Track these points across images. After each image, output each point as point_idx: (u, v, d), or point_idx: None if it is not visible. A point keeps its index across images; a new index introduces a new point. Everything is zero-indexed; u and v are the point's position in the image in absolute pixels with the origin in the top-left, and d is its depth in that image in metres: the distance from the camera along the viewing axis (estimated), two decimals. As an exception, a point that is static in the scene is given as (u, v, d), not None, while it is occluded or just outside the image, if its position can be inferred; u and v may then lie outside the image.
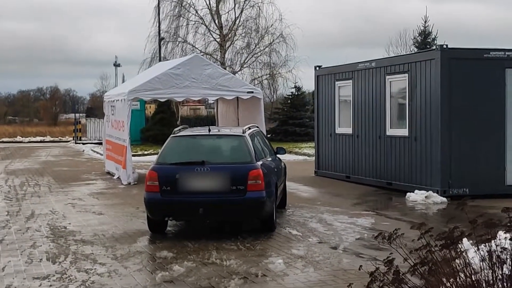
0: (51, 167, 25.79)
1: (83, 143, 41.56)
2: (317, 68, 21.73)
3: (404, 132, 17.02)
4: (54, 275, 8.95)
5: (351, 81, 19.57)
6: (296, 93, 40.96)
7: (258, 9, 41.46)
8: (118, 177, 20.73)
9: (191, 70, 19.80)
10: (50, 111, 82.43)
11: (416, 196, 15.60)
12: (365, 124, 18.82)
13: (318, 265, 9.29)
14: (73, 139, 44.69)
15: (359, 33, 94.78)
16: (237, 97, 20.76)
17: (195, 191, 11.01)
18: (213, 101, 25.68)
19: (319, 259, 9.62)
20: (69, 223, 13.05)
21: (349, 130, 19.66)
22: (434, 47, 16.51)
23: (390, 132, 17.69)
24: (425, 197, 15.40)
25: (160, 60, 44.66)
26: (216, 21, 41.70)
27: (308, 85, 46.54)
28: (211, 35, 41.88)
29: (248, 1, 41.63)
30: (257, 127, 13.58)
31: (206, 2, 41.84)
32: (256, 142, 12.19)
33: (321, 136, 21.35)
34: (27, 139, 48.69)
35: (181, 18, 41.97)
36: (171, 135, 11.96)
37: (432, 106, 15.91)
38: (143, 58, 45.21)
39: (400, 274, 5.16)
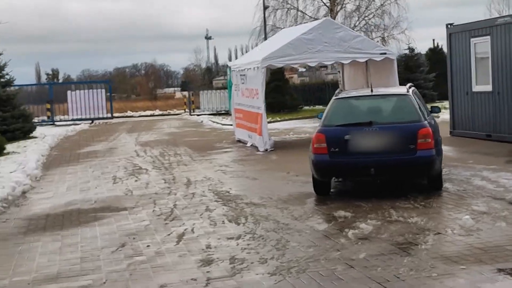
0: (180, 137, 26.30)
1: (198, 115, 42.20)
2: (449, 26, 21.19)
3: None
4: (246, 235, 9.15)
5: (489, 37, 19.00)
6: (410, 54, 40.20)
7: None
8: (251, 145, 20.95)
9: (323, 34, 19.72)
10: (146, 87, 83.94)
11: None
12: (508, 81, 18.27)
13: (508, 219, 9.12)
14: (186, 111, 45.41)
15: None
16: (367, 60, 20.55)
17: (365, 152, 10.99)
18: (332, 66, 25.40)
19: (505, 214, 9.45)
20: (230, 188, 13.28)
21: (488, 88, 19.13)
22: None
23: (535, 86, 17.12)
24: None
25: (265, 29, 44.83)
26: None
27: (422, 46, 45.56)
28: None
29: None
30: (414, 86, 13.38)
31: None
32: (418, 101, 12.03)
33: (456, 95, 20.87)
34: (137, 114, 49.74)
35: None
36: (334, 98, 11.94)
37: None
38: (253, 27, 45.16)
39: None
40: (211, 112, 42.51)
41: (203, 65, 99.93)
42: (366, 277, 6.96)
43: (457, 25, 20.99)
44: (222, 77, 73.22)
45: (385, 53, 20.16)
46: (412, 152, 10.85)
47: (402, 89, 12.19)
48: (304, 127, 28.22)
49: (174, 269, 7.74)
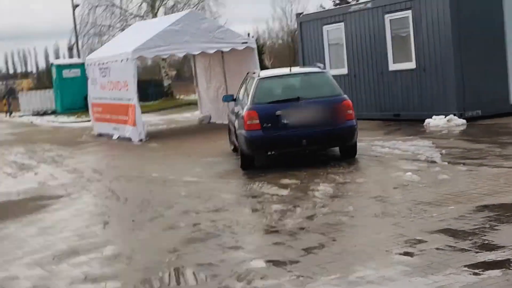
0: (29, 136, 25.62)
1: (20, 116, 40.81)
2: (300, 15, 22.68)
3: (410, 65, 18.31)
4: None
5: (342, 23, 20.65)
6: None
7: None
8: (119, 137, 21.10)
9: (189, 25, 20.36)
10: None
11: (436, 121, 16.96)
12: (363, 63, 20.00)
13: (444, 173, 10.41)
14: (6, 114, 43.72)
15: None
16: (221, 50, 21.40)
17: (296, 125, 11.92)
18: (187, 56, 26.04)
19: (437, 170, 10.73)
20: (154, 173, 13.52)
21: (344, 71, 20.79)
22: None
23: (393, 67, 18.95)
24: (447, 120, 16.80)
25: (75, 27, 44.29)
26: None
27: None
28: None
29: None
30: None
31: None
32: (331, 77, 13.14)
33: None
34: None
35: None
36: (258, 78, 12.66)
37: (441, 37, 17.25)
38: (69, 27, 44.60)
39: None
40: (34, 113, 41.19)
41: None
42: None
43: (308, 14, 22.56)
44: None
45: (246, 42, 21.17)
46: (338, 123, 11.96)
47: (316, 68, 13.24)
48: (155, 119, 28.57)
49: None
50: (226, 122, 22.76)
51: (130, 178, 13.29)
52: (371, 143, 14.65)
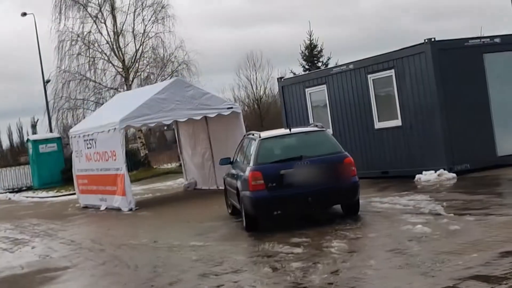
0: (10, 212, 25.31)
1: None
2: (281, 80, 23.07)
3: (396, 122, 18.65)
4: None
5: (325, 85, 21.03)
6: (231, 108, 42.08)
7: (159, 39, 42.19)
8: (106, 208, 20.99)
9: (175, 93, 20.56)
10: None
11: (427, 176, 17.20)
12: (347, 123, 20.31)
13: (454, 224, 10.56)
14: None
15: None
16: (205, 116, 21.60)
17: (301, 183, 12.02)
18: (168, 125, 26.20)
19: (445, 221, 10.88)
20: (156, 240, 13.47)
21: (329, 132, 21.00)
22: (422, 42, 18.09)
23: (379, 125, 19.27)
24: (438, 175, 17.05)
25: (47, 102, 44.20)
26: (118, 54, 42.03)
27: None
28: (115, 69, 42.14)
29: (147, 33, 42.25)
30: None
31: (105, 38, 42.06)
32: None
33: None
34: None
35: (81, 55, 41.90)
36: (259, 139, 12.78)
37: (427, 94, 17.65)
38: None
39: None
40: (9, 190, 40.65)
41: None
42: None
43: (288, 78, 23.00)
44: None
45: (231, 107, 21.40)
46: (342, 180, 12.11)
47: (315, 127, 13.45)
48: (137, 189, 28.40)
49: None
50: (212, 187, 23.04)
51: (133, 246, 13.19)
52: (368, 199, 14.78)
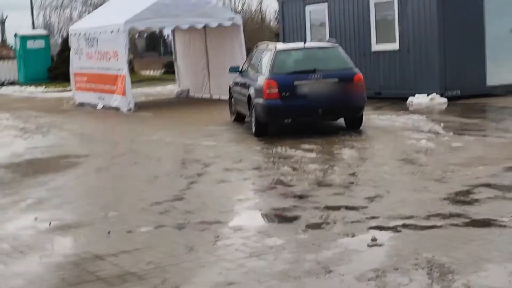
0: (7, 105, 25.71)
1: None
2: (279, -5, 23.50)
3: (394, 46, 19.37)
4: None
5: (326, 3, 21.55)
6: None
7: None
8: (103, 106, 21.53)
9: (178, 0, 20.93)
10: None
11: (419, 100, 18.06)
12: (345, 44, 20.90)
13: (454, 141, 11.43)
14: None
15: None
16: (205, 26, 22.00)
17: (313, 95, 12.78)
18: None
19: (446, 139, 11.74)
20: (167, 138, 14.20)
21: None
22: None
23: (376, 48, 19.99)
24: (430, 99, 17.92)
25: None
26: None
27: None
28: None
29: None
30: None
31: None
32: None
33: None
34: None
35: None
36: (275, 50, 13.41)
37: (427, 21, 18.35)
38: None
39: None
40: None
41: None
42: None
43: (291, -6, 23.29)
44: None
45: (233, 18, 21.83)
46: (352, 94, 12.90)
47: (328, 43, 14.13)
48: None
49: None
50: (206, 96, 23.66)
51: (146, 141, 13.88)
52: (366, 116, 15.54)
